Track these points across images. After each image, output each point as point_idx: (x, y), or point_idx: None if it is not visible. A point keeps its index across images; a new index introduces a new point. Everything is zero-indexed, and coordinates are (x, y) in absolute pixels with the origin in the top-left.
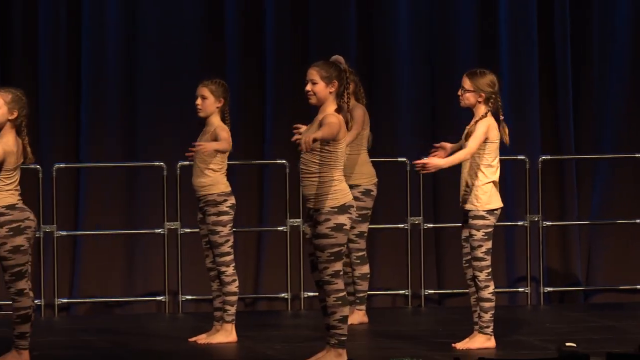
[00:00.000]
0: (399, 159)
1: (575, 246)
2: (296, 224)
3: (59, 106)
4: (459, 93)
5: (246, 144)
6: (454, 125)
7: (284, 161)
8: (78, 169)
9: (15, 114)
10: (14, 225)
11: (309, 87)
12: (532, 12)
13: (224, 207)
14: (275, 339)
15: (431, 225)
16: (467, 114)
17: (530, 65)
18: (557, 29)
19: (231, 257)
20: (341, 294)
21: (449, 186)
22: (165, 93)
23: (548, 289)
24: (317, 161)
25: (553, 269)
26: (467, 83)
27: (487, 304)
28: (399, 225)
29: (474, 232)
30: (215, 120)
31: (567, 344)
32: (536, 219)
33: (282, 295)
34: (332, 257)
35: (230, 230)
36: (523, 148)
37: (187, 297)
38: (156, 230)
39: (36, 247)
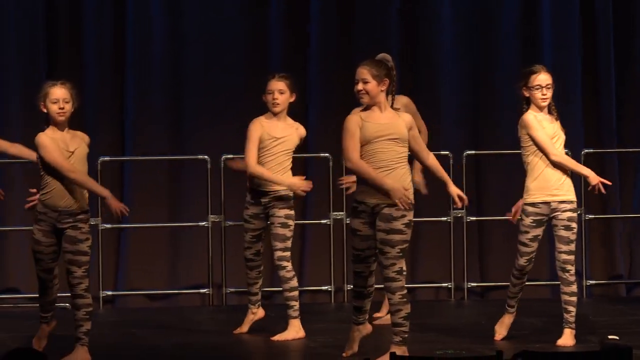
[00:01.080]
0: (441, 152)
1: (618, 239)
2: (339, 217)
3: (104, 99)
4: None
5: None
6: (496, 119)
7: (328, 154)
8: (123, 162)
9: (75, 107)
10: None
11: (360, 87)
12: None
13: (292, 203)
14: (320, 332)
15: (474, 218)
16: (510, 109)
17: (574, 60)
18: (600, 20)
19: (290, 253)
20: (405, 292)
21: (492, 179)
22: (210, 86)
23: (590, 282)
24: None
25: (595, 262)
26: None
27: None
28: (442, 219)
29: (573, 225)
30: (287, 116)
31: (610, 337)
32: (579, 212)
33: (325, 287)
34: (400, 254)
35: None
36: (566, 142)
37: (231, 289)
38: (200, 223)
39: (205, 236)
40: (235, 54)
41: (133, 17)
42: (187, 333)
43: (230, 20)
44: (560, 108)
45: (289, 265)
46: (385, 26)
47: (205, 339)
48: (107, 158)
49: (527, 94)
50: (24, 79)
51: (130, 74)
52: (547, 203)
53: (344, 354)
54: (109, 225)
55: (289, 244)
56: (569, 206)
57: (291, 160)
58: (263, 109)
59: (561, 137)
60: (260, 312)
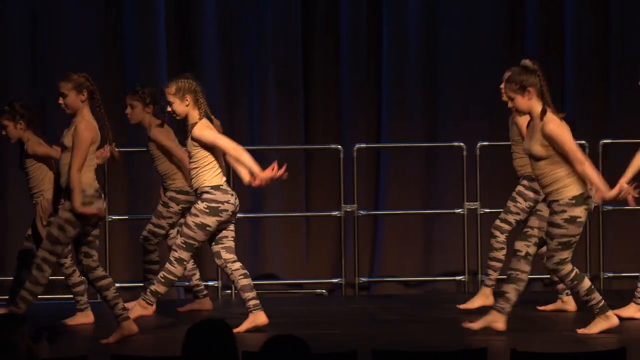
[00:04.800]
0: (455, 143)
1: None
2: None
3: (360, 88)
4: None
5: (424, 127)
6: None
7: (461, 144)
8: (378, 149)
9: (188, 99)
10: (213, 205)
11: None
12: None
13: None
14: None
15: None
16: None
17: None
18: None
19: None
20: (572, 275)
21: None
22: (466, 74)
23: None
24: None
25: None
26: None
27: None
28: (456, 211)
29: None
30: None
31: None
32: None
33: (459, 278)
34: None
35: None
36: None
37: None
38: (456, 211)
39: (337, 226)
40: (490, 44)
41: (389, 6)
42: (437, 319)
43: (485, 11)
44: None
45: None
46: None
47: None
48: (363, 145)
49: None
50: (280, 70)
51: (386, 62)
52: None
53: None
54: (364, 212)
55: None
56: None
57: None
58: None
59: None
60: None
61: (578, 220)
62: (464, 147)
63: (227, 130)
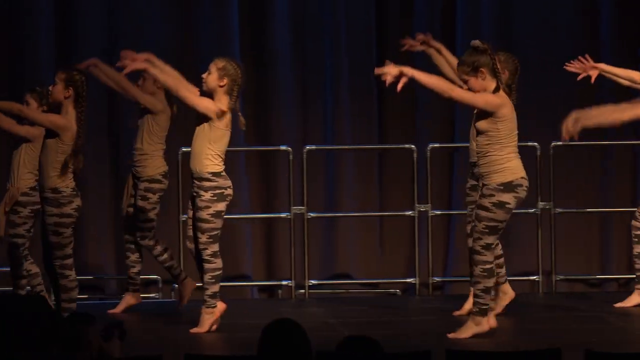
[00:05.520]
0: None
1: None
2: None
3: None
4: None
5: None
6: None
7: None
8: (452, 148)
9: (225, 81)
10: (218, 191)
11: None
12: None
13: None
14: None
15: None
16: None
17: None
18: None
19: None
20: (488, 266)
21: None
22: (541, 73)
23: None
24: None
25: None
26: None
27: None
28: (529, 210)
29: None
30: None
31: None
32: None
33: (533, 278)
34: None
35: None
36: None
37: (561, 276)
38: (530, 210)
39: (410, 226)
40: (562, 40)
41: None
42: (515, 320)
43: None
44: None
45: None
46: None
47: (536, 325)
48: (436, 145)
49: None
50: (354, 69)
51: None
52: None
53: None
54: (438, 212)
55: None
56: None
57: None
58: None
59: None
60: None
61: (507, 206)
62: (538, 147)
63: (301, 129)
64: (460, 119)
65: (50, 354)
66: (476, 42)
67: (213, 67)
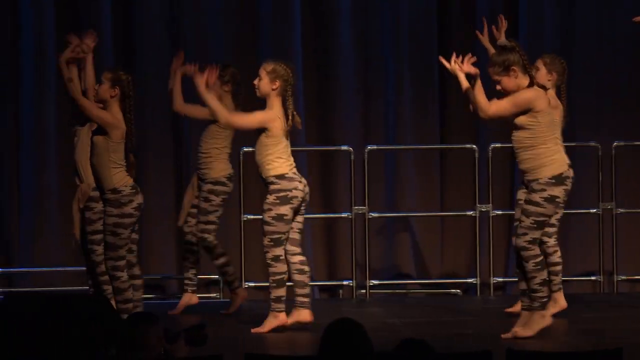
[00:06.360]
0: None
1: None
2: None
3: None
4: None
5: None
6: None
7: (596, 143)
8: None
9: (278, 84)
10: (282, 194)
11: None
12: None
13: None
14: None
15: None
16: None
17: None
18: None
19: None
20: (539, 259)
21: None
22: (600, 72)
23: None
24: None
25: None
26: None
27: None
28: (591, 210)
29: None
30: None
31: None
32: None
33: (594, 278)
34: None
35: None
36: None
37: (622, 277)
38: (591, 210)
39: (471, 226)
40: (626, 39)
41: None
42: (576, 318)
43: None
44: None
45: None
46: None
47: (598, 324)
48: (497, 145)
49: None
50: (415, 69)
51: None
52: None
53: None
54: (499, 212)
55: None
56: None
57: None
58: None
59: None
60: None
61: (556, 200)
62: (599, 147)
63: (362, 129)
64: None
65: (109, 354)
66: (503, 40)
67: (263, 72)
